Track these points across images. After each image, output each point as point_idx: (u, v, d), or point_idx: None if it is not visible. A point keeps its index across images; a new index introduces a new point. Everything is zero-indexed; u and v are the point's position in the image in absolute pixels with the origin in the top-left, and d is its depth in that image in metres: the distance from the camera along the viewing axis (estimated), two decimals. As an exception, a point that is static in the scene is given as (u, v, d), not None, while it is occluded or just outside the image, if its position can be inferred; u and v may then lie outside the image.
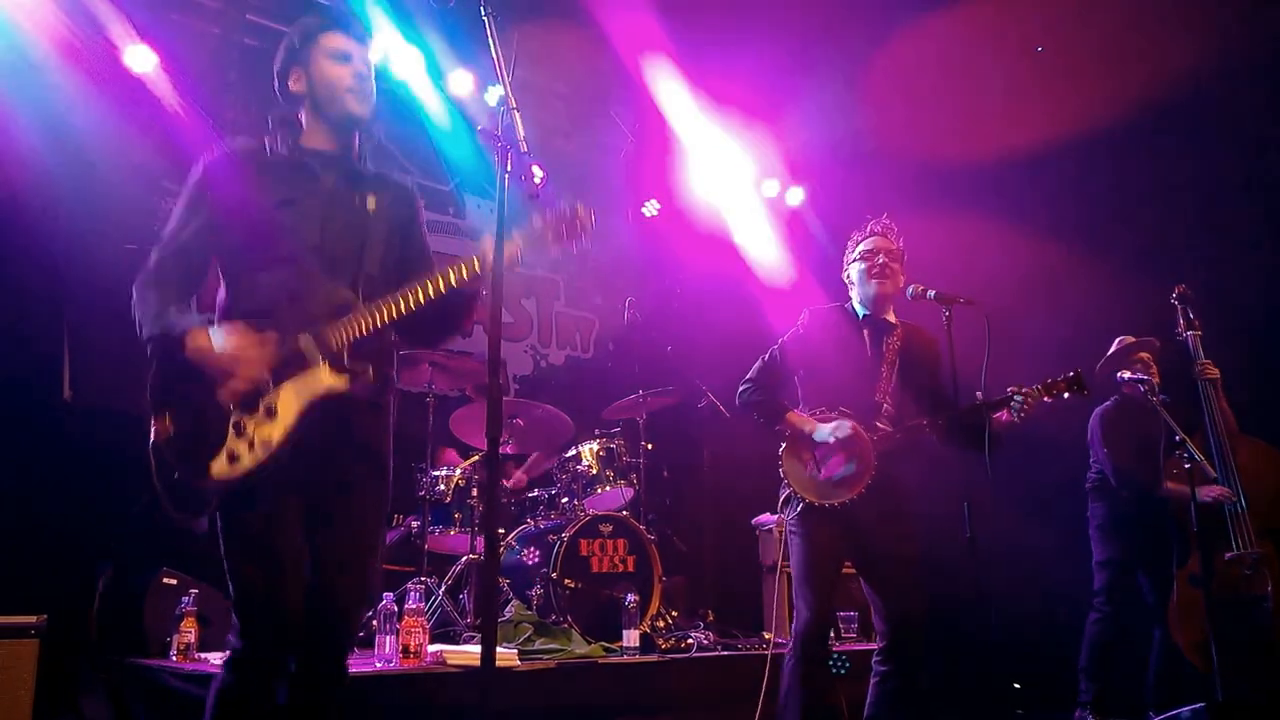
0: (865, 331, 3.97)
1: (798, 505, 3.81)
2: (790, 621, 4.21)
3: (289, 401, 2.53)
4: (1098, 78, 6.25)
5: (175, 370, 2.51)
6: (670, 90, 6.93)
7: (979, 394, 3.79)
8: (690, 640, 5.11)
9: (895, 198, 7.20)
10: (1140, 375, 5.13)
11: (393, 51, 6.23)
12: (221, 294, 2.72)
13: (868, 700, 3.83)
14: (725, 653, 5.08)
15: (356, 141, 2.84)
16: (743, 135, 7.44)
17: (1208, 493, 4.92)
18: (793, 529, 3.84)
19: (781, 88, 7.16)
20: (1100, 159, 6.51)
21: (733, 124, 7.33)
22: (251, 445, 2.48)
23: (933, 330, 4.01)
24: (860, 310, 4.04)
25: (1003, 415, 3.76)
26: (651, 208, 7.97)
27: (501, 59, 2.55)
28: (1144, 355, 5.41)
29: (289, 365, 2.55)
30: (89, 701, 4.40)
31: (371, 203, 2.78)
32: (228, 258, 2.70)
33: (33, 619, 3.78)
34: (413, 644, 4.16)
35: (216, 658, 4.23)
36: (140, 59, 5.62)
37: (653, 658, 4.81)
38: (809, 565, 3.77)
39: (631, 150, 7.89)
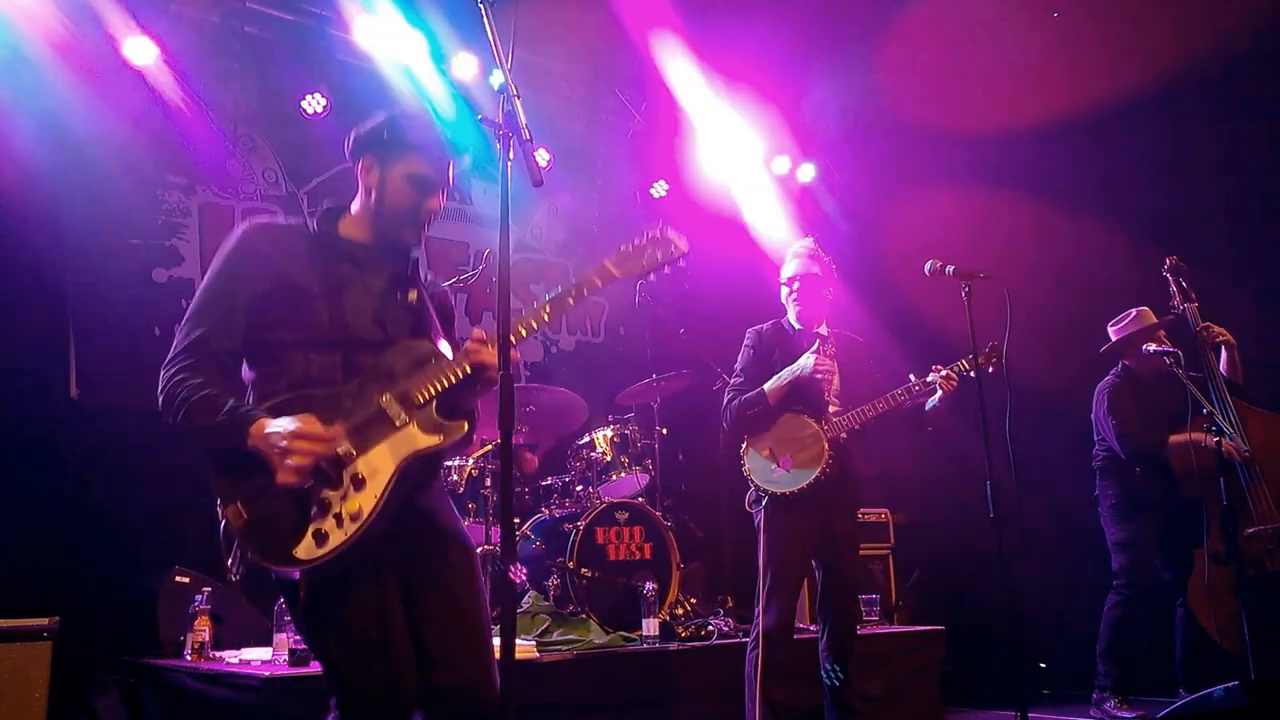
0: (804, 344, 4.22)
1: (763, 499, 4.08)
2: (811, 606, 4.31)
3: (377, 468, 2.34)
4: (1113, 47, 6.14)
5: (243, 458, 2.27)
6: (678, 68, 6.82)
7: (912, 376, 4.12)
8: (710, 628, 5.06)
9: (907, 171, 7.17)
10: (1166, 348, 5.01)
11: (396, 35, 6.14)
12: (253, 373, 2.49)
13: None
14: (746, 639, 5.00)
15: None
16: (752, 112, 7.33)
17: (1227, 446, 4.76)
18: (760, 526, 4.09)
19: (791, 62, 7.05)
20: (1116, 130, 6.39)
21: (742, 101, 7.22)
22: (340, 521, 2.27)
23: (860, 333, 4.48)
24: (796, 325, 4.33)
25: (937, 395, 4.07)
26: (660, 188, 7.88)
27: (500, 47, 2.44)
28: (1162, 334, 5.29)
29: (371, 429, 2.36)
30: (103, 703, 4.37)
31: (413, 296, 2.62)
32: (269, 337, 2.45)
33: (45, 621, 3.76)
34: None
35: (231, 656, 4.20)
36: (140, 51, 5.54)
37: (672, 646, 4.76)
38: (777, 562, 4.01)
39: (639, 130, 7.79)
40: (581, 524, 5.22)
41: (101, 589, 4.85)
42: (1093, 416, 5.50)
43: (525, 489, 6.03)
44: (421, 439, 2.39)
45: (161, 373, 2.40)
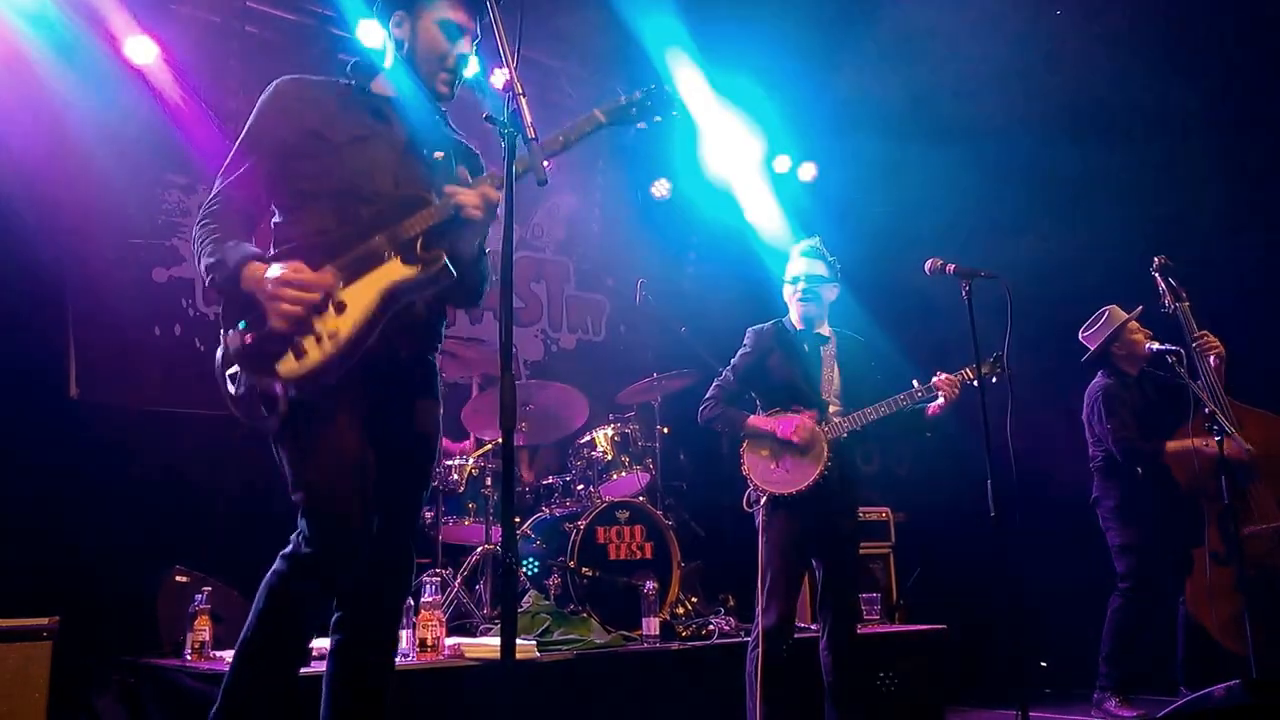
0: (805, 345, 4.26)
1: (762, 499, 4.07)
2: (812, 605, 4.35)
3: (358, 296, 2.51)
4: (1115, 46, 6.13)
5: (239, 298, 2.50)
6: (680, 67, 6.81)
7: (915, 382, 4.10)
8: (711, 627, 5.04)
9: (907, 171, 7.16)
10: (1168, 346, 5.00)
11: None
12: (279, 217, 2.71)
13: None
14: (747, 638, 5.00)
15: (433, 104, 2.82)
16: (753, 111, 7.32)
17: (1229, 447, 4.75)
18: (760, 526, 4.08)
19: (792, 60, 7.04)
20: (1116, 131, 6.39)
21: (743, 99, 7.21)
22: (319, 339, 2.46)
23: (860, 332, 4.44)
24: (797, 325, 4.31)
25: (939, 400, 4.09)
26: (661, 187, 7.87)
27: (506, 46, 2.47)
28: (1135, 325, 5.29)
29: (360, 264, 2.54)
30: (103, 703, 4.37)
31: (439, 155, 2.77)
32: (294, 186, 2.67)
33: (45, 621, 3.76)
34: (430, 637, 4.10)
35: (230, 656, 4.19)
36: (141, 50, 5.54)
37: (673, 646, 4.75)
38: (777, 562, 4.00)
39: (640, 129, 7.76)
40: (582, 523, 5.21)
41: (101, 588, 4.84)
42: (1084, 418, 5.49)
43: (526, 488, 6.03)
44: (400, 270, 2.57)
45: (203, 202, 2.68)
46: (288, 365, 2.44)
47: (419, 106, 2.77)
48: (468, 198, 2.59)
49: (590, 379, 6.45)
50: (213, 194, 2.67)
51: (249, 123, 2.72)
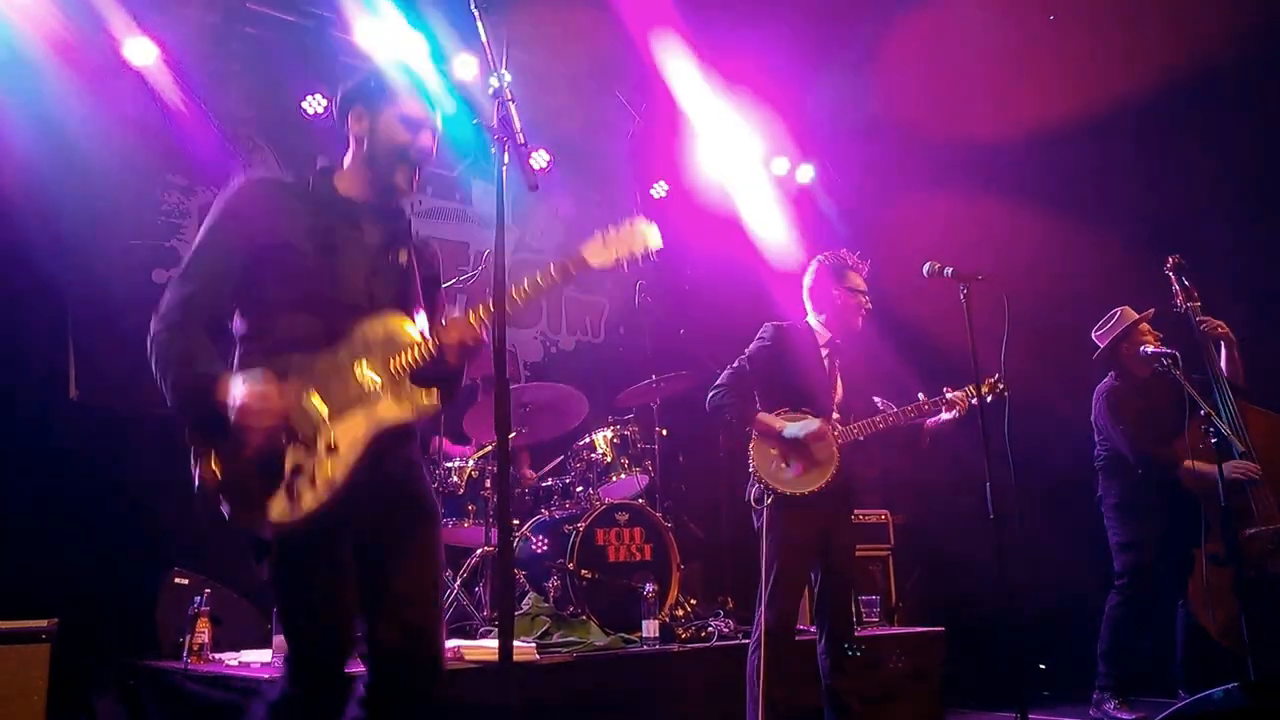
0: (823, 350, 4.28)
1: (769, 498, 4.05)
2: (810, 607, 4.44)
3: (349, 435, 2.43)
4: (1112, 49, 6.13)
5: (213, 418, 2.38)
6: (677, 68, 6.81)
7: (920, 395, 4.19)
8: (710, 629, 5.05)
9: (905, 173, 7.17)
10: (1163, 349, 5.01)
11: (396, 36, 6.13)
12: (242, 327, 2.57)
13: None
14: (746, 641, 4.99)
15: (395, 201, 2.76)
16: (751, 113, 7.32)
17: (1229, 469, 4.79)
18: (765, 526, 4.06)
19: (791, 63, 7.04)
20: (1113, 132, 6.39)
21: (741, 101, 7.21)
22: (314, 484, 2.37)
23: (865, 342, 4.50)
24: (825, 332, 4.32)
25: (941, 415, 4.19)
26: (660, 189, 7.87)
27: (494, 52, 2.47)
28: (1146, 327, 5.29)
29: (347, 398, 2.46)
30: (102, 704, 4.37)
31: (404, 257, 2.70)
32: (260, 294, 2.53)
33: (44, 623, 3.76)
34: (429, 640, 4.08)
35: (230, 658, 4.20)
36: (140, 51, 5.54)
37: (673, 647, 4.75)
38: (783, 563, 4.01)
39: (638, 131, 7.78)
40: (582, 525, 5.21)
41: (101, 590, 4.84)
42: (1093, 418, 5.49)
43: (525, 490, 6.03)
44: (392, 411, 2.50)
45: (151, 324, 2.48)
46: (280, 510, 2.36)
47: (383, 205, 2.72)
48: (452, 339, 2.51)
49: (590, 380, 6.45)
50: (172, 302, 2.49)
51: (208, 223, 2.57)
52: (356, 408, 2.46)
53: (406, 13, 6.13)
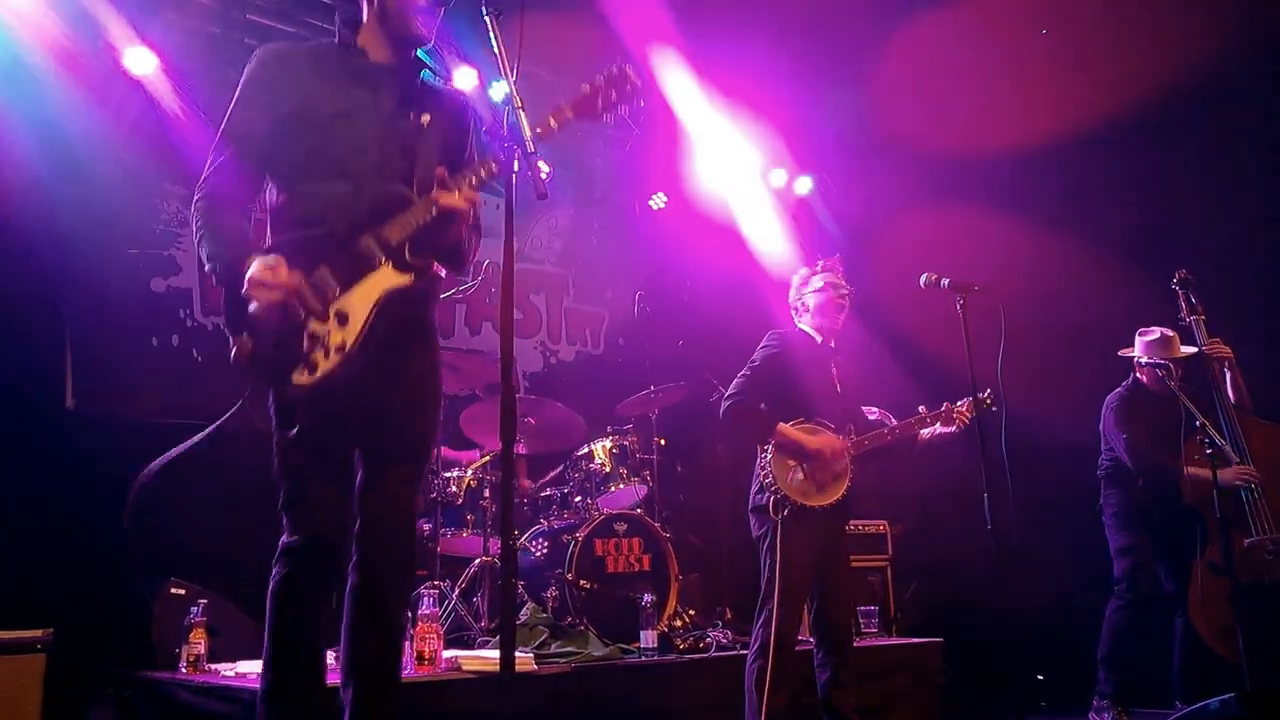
0: (824, 355, 4.30)
1: (785, 509, 4.04)
2: (808, 617, 4.32)
3: (357, 305, 2.59)
4: (1105, 63, 6.17)
5: (240, 298, 2.55)
6: (676, 81, 6.83)
7: (921, 408, 4.23)
8: (709, 640, 5.03)
9: (902, 185, 7.19)
10: (1158, 360, 5.03)
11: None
12: (273, 197, 2.75)
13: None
14: (744, 651, 4.98)
15: (414, 56, 2.85)
16: (749, 125, 7.34)
17: (1230, 476, 4.81)
18: (779, 536, 4.03)
19: (789, 77, 7.07)
20: (1106, 146, 6.42)
21: (739, 114, 7.23)
22: (327, 352, 2.55)
23: (855, 345, 4.56)
24: (817, 336, 4.33)
25: (936, 428, 4.23)
26: (659, 200, 7.89)
27: (505, 59, 2.49)
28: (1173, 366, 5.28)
29: (353, 270, 2.59)
30: (97, 716, 4.35)
31: (425, 119, 2.79)
32: (280, 164, 2.72)
33: (38, 633, 3.72)
34: (427, 650, 4.08)
35: (226, 669, 4.18)
36: (140, 61, 5.54)
37: (671, 658, 4.74)
38: (793, 572, 4.00)
39: (638, 143, 7.80)
40: (580, 535, 5.20)
41: (96, 600, 4.82)
42: (1101, 427, 5.51)
43: (523, 500, 6.02)
44: (394, 278, 2.64)
45: (194, 194, 2.71)
46: (301, 377, 2.55)
47: (402, 60, 2.80)
48: (448, 201, 2.63)
49: (588, 391, 6.45)
50: (207, 171, 2.72)
51: (231, 106, 2.77)
52: (363, 278, 2.60)
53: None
